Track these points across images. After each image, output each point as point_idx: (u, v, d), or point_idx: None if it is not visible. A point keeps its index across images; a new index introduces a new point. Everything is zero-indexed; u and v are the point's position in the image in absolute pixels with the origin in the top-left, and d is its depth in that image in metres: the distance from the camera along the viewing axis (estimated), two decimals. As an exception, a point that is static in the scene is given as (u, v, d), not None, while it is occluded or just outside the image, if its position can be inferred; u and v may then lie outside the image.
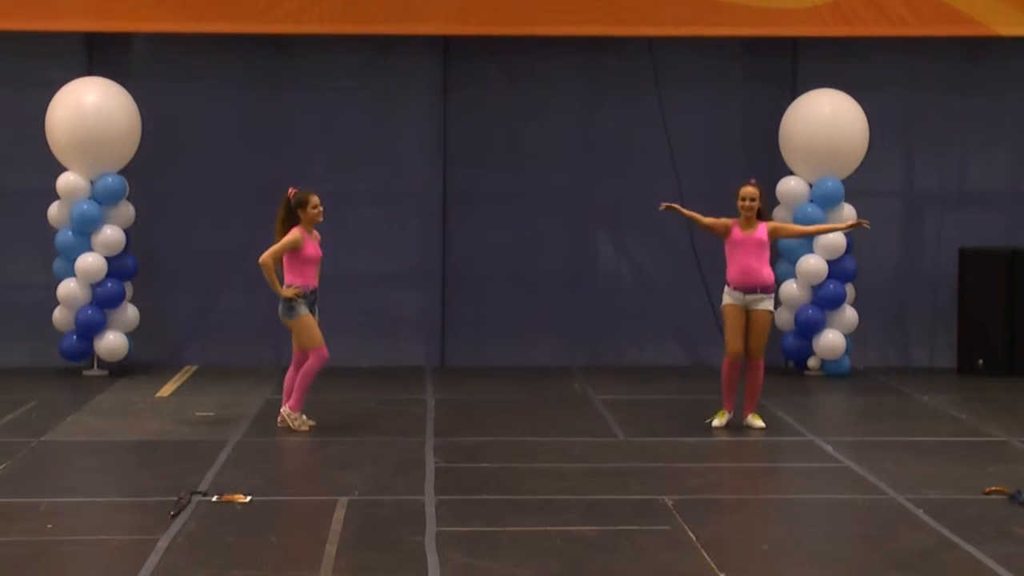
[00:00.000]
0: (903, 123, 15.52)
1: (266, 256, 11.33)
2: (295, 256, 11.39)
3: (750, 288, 11.60)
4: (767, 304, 11.61)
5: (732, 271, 11.65)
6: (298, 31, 14.70)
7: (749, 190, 11.69)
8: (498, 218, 15.46)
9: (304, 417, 11.64)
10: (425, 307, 15.48)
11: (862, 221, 12.03)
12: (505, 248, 15.45)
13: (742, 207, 11.63)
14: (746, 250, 11.59)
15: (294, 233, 11.36)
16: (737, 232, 11.64)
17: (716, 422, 11.85)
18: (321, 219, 11.54)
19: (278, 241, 11.40)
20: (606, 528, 8.59)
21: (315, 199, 11.49)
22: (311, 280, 11.46)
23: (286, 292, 11.33)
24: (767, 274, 11.61)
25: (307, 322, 11.42)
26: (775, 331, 13.31)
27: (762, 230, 11.61)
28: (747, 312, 11.61)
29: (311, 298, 11.46)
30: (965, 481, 9.90)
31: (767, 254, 11.65)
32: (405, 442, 11.24)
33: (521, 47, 15.21)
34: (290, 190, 11.59)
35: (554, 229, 15.50)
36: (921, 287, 15.59)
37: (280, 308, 11.43)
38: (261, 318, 15.10)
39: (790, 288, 14.49)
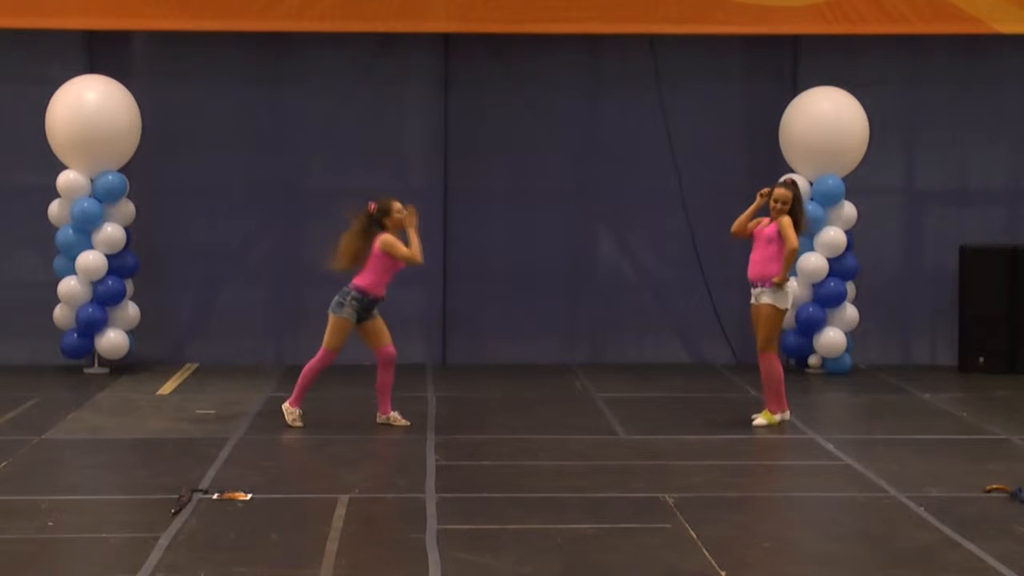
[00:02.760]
0: (904, 120, 15.51)
1: (415, 252, 11.42)
2: (388, 262, 11.45)
3: (752, 282, 11.67)
4: (767, 298, 11.63)
5: (748, 265, 11.76)
6: (299, 28, 14.70)
7: (780, 192, 11.68)
8: (499, 215, 15.46)
9: (298, 414, 11.64)
10: (426, 304, 15.47)
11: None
12: (506, 245, 15.46)
13: (772, 208, 11.67)
14: (756, 244, 11.67)
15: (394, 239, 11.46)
16: (759, 226, 11.72)
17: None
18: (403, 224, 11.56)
19: (351, 252, 11.43)
20: (607, 526, 8.59)
21: (397, 204, 11.50)
22: (381, 289, 11.48)
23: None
24: (767, 269, 11.61)
25: (339, 324, 11.45)
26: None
27: (774, 224, 11.62)
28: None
29: (364, 303, 11.44)
30: (966, 479, 9.90)
31: (776, 247, 11.62)
32: (406, 439, 11.25)
33: (522, 44, 15.20)
34: (371, 205, 11.54)
35: (555, 226, 15.50)
36: (922, 285, 15.59)
37: (335, 299, 11.52)
38: (262, 316, 15.14)
39: (790, 286, 14.46)
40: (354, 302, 11.43)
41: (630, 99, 15.40)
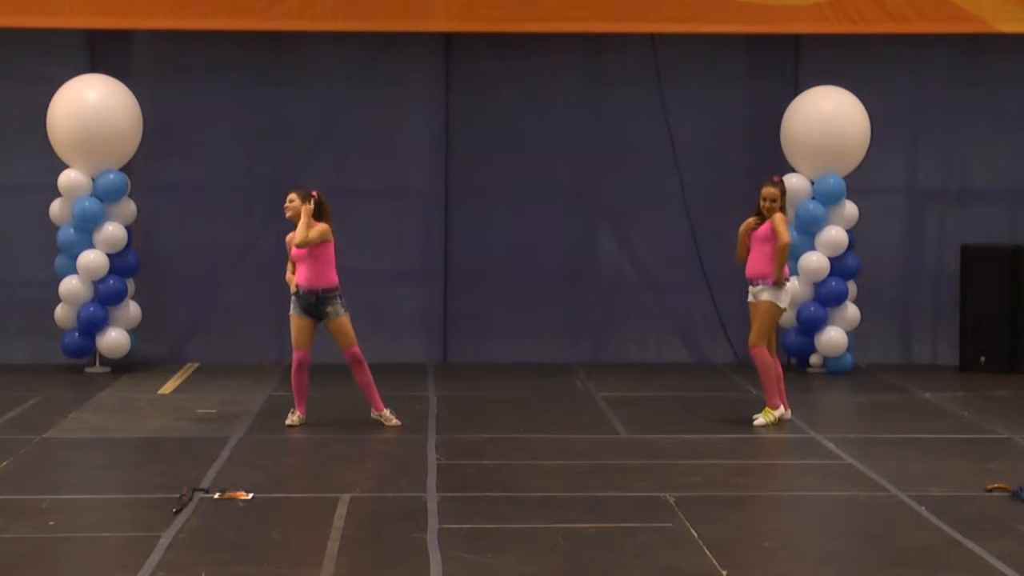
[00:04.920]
0: (905, 119, 15.51)
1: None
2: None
3: (751, 279, 11.69)
4: (766, 295, 11.66)
5: (747, 264, 11.77)
6: (299, 28, 14.70)
7: (769, 191, 11.72)
8: (500, 214, 15.47)
9: (294, 417, 11.64)
10: (427, 304, 15.48)
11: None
12: (507, 244, 15.46)
13: (762, 207, 11.68)
14: (755, 244, 11.70)
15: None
16: (754, 232, 11.76)
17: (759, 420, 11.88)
18: (287, 214, 11.58)
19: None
20: (608, 525, 8.58)
21: (289, 195, 11.59)
22: (302, 280, 11.52)
23: (289, 285, 11.66)
24: (766, 267, 11.64)
25: (290, 321, 11.57)
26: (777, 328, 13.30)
27: (767, 224, 11.66)
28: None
29: (304, 299, 11.47)
30: (967, 478, 9.90)
31: (771, 247, 11.66)
32: (407, 439, 11.25)
33: (523, 43, 15.21)
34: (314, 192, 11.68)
35: (556, 225, 15.50)
36: (923, 284, 15.59)
37: None
38: (263, 315, 15.13)
39: (792, 285, 14.46)
40: (292, 296, 11.50)
41: (631, 98, 15.40)
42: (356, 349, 11.51)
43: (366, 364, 11.58)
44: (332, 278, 11.46)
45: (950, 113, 15.52)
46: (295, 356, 11.50)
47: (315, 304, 11.44)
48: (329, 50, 15.19)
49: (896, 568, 7.77)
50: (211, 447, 10.76)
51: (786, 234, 11.62)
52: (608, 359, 15.45)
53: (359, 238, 15.15)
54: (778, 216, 11.66)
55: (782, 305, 11.76)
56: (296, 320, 11.51)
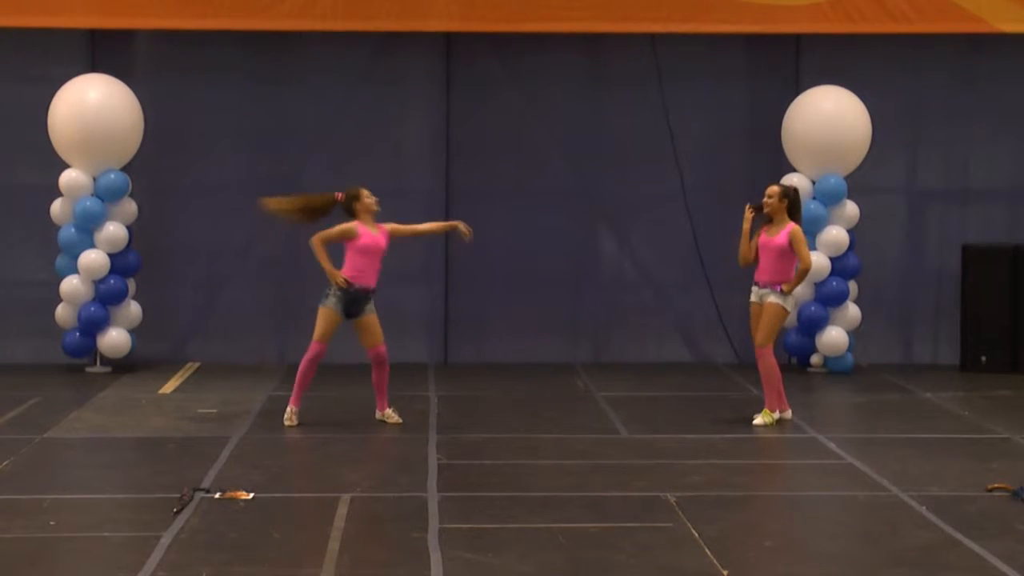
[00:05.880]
0: (906, 119, 15.51)
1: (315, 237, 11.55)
2: (350, 248, 11.54)
3: (763, 284, 11.69)
4: (773, 298, 11.66)
5: (756, 269, 11.77)
6: (300, 28, 14.70)
7: (770, 188, 11.77)
8: (501, 215, 15.46)
9: (293, 412, 11.64)
10: (428, 303, 15.48)
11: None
12: (508, 245, 15.45)
13: (765, 204, 11.70)
14: (767, 253, 11.71)
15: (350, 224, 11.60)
16: (763, 235, 11.74)
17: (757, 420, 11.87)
18: (376, 208, 11.66)
19: (299, 207, 11.76)
20: (608, 525, 8.58)
21: (365, 191, 11.70)
22: (362, 277, 11.48)
23: (337, 277, 11.42)
24: (778, 277, 11.65)
25: (321, 313, 11.49)
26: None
27: (783, 236, 11.64)
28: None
29: (352, 295, 11.44)
30: (968, 478, 9.90)
31: (788, 258, 11.68)
32: (408, 439, 11.25)
33: (523, 43, 15.20)
34: (338, 195, 11.71)
35: (557, 225, 15.50)
36: (924, 284, 15.59)
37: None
38: (263, 314, 15.13)
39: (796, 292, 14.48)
40: (338, 291, 11.45)
41: (632, 98, 15.41)
42: (383, 348, 11.63)
43: (387, 367, 11.66)
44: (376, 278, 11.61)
45: (950, 113, 15.52)
46: (314, 348, 11.49)
47: (359, 301, 11.48)
48: (329, 50, 15.19)
49: (896, 568, 7.77)
50: (211, 447, 10.76)
51: (809, 258, 11.70)
52: (608, 359, 15.45)
53: (359, 238, 15.15)
54: (799, 235, 11.67)
55: (788, 308, 11.78)
56: (330, 314, 11.47)
